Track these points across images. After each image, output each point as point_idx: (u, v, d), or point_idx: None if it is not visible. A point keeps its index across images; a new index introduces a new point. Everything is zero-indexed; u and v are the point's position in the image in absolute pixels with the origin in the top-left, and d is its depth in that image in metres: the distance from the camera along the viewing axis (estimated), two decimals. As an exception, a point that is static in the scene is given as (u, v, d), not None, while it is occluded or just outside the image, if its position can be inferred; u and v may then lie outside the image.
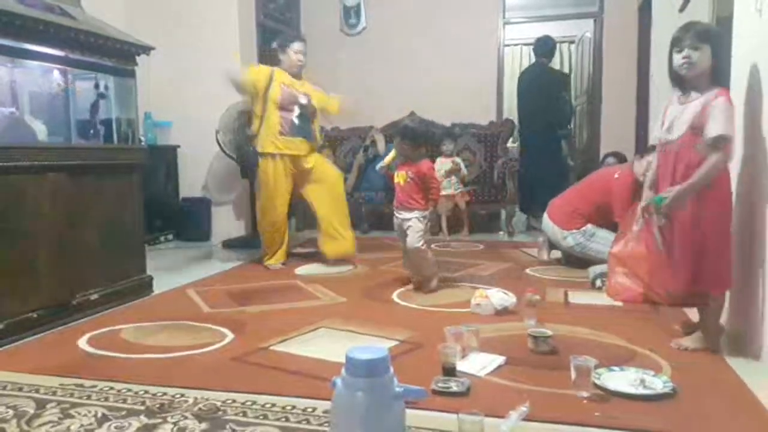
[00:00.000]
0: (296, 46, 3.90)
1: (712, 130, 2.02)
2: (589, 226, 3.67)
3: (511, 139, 6.11)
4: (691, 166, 2.08)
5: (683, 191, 2.08)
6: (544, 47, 5.66)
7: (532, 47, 5.92)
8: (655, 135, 2.33)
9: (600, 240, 3.60)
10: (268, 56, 4.42)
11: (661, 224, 2.22)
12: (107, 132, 3.11)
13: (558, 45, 8.90)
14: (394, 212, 3.24)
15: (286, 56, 3.91)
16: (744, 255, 2.23)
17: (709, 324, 2.20)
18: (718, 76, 2.13)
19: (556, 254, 3.99)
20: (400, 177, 3.15)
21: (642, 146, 4.81)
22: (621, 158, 4.56)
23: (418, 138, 3.13)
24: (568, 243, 3.73)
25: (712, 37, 2.12)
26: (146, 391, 1.86)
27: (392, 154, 3.27)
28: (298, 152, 3.83)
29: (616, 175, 3.61)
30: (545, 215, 3.96)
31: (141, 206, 3.21)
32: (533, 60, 5.96)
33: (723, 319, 2.28)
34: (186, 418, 1.67)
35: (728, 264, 2.15)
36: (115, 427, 1.62)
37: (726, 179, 2.13)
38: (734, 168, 2.34)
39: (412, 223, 3.13)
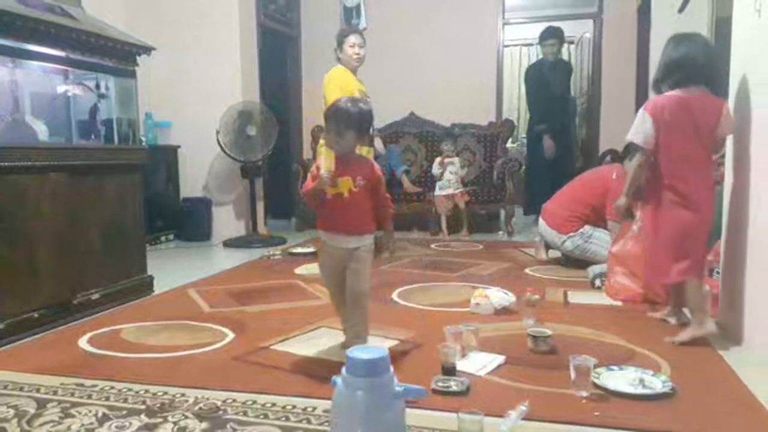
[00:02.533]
0: (351, 39, 3.79)
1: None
2: (587, 227, 3.67)
3: (510, 139, 6.11)
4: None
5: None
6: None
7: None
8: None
9: (597, 241, 3.61)
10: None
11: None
12: (108, 132, 3.12)
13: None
14: (325, 242, 2.17)
15: (343, 53, 3.84)
16: (733, 252, 2.36)
17: (691, 303, 2.35)
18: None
19: (555, 254, 3.99)
20: (342, 186, 2.07)
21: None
22: (618, 155, 4.52)
23: (365, 122, 2.14)
24: (566, 247, 3.74)
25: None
26: (147, 391, 1.87)
27: (327, 156, 2.05)
28: None
29: (614, 176, 3.60)
30: (540, 219, 3.97)
31: (141, 206, 3.21)
32: (532, 60, 6.00)
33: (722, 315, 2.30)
34: (186, 417, 1.68)
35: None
36: (116, 427, 1.63)
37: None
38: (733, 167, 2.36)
39: (363, 254, 2.12)
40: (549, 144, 5.58)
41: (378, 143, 4.37)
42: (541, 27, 8.30)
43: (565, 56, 8.85)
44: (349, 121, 2.05)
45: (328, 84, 3.78)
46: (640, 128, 2.30)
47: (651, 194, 2.39)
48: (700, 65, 2.27)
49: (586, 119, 6.50)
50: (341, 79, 3.77)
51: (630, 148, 2.98)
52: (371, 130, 2.29)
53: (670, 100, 2.28)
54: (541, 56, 6.08)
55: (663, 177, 2.31)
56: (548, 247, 4.00)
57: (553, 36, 5.73)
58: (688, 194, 2.28)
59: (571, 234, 3.70)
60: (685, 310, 2.48)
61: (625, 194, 2.52)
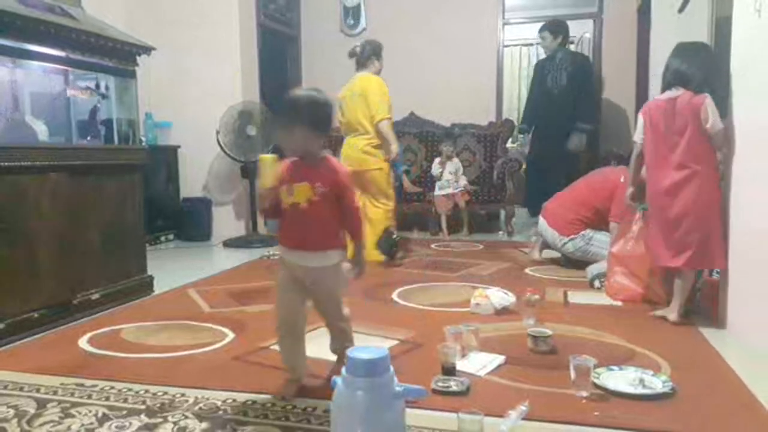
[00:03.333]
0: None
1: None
2: (588, 230, 3.66)
3: (510, 139, 6.11)
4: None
5: None
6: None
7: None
8: None
9: (598, 243, 3.61)
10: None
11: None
12: (108, 132, 3.11)
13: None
14: (284, 258, 1.85)
15: (380, 62, 4.07)
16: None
17: (678, 290, 2.57)
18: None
19: (548, 254, 3.99)
20: (298, 195, 1.76)
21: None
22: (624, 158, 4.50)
23: (323, 117, 1.87)
24: (567, 249, 3.74)
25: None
26: (147, 391, 1.87)
27: (266, 163, 1.78)
28: None
29: (622, 179, 3.49)
30: (541, 219, 3.95)
31: (141, 206, 3.21)
32: (532, 60, 5.95)
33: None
34: (187, 417, 1.68)
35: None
36: (116, 427, 1.63)
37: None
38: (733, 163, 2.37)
39: (329, 278, 1.82)
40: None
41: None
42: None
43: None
44: (299, 112, 1.76)
45: (377, 89, 3.93)
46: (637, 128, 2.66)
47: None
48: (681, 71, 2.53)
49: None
50: (385, 87, 3.97)
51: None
52: (328, 126, 1.91)
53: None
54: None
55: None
56: (544, 246, 4.00)
57: (545, 29, 5.56)
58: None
59: (573, 236, 3.69)
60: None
61: (630, 184, 2.88)
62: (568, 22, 7.53)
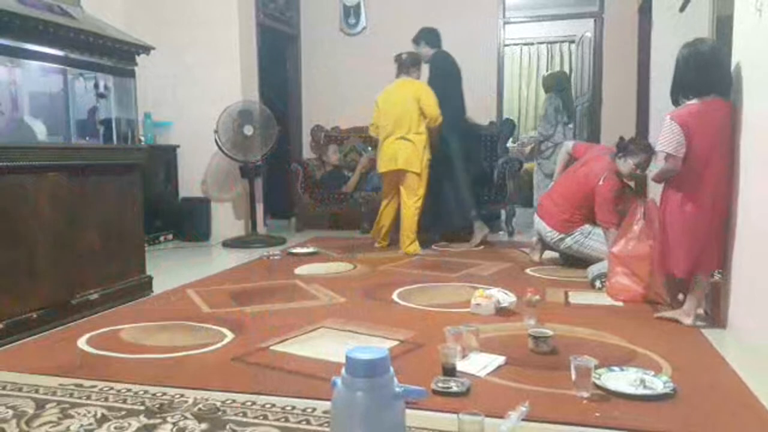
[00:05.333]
0: None
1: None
2: (587, 225, 3.65)
3: (510, 139, 6.10)
4: None
5: None
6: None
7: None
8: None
9: (596, 237, 3.59)
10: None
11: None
12: (107, 132, 3.11)
13: (558, 45, 9.00)
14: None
15: (419, 72, 4.50)
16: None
17: (693, 294, 2.52)
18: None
19: (548, 254, 3.98)
20: None
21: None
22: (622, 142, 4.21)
23: None
24: (566, 244, 3.72)
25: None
26: (146, 392, 1.86)
27: None
28: None
29: (600, 182, 3.48)
30: (536, 217, 3.92)
31: (141, 206, 3.20)
32: (532, 60, 5.93)
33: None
34: (186, 418, 1.67)
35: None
36: (115, 428, 1.62)
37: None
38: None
39: None
40: None
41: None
42: (542, 26, 8.30)
43: (565, 56, 8.93)
44: None
45: (431, 93, 4.37)
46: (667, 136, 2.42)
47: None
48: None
49: (587, 120, 6.50)
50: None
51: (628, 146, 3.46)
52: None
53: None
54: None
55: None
56: (544, 248, 3.98)
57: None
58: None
59: (572, 233, 3.68)
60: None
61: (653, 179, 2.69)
62: (569, 22, 7.54)
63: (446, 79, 4.64)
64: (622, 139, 3.60)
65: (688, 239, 2.45)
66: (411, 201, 4.34)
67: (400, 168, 4.32)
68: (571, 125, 6.32)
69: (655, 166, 2.75)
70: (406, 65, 4.47)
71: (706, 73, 2.42)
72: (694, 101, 2.44)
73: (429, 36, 4.76)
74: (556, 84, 6.36)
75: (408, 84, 4.42)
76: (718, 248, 2.47)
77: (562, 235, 3.72)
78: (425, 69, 4.70)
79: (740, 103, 2.41)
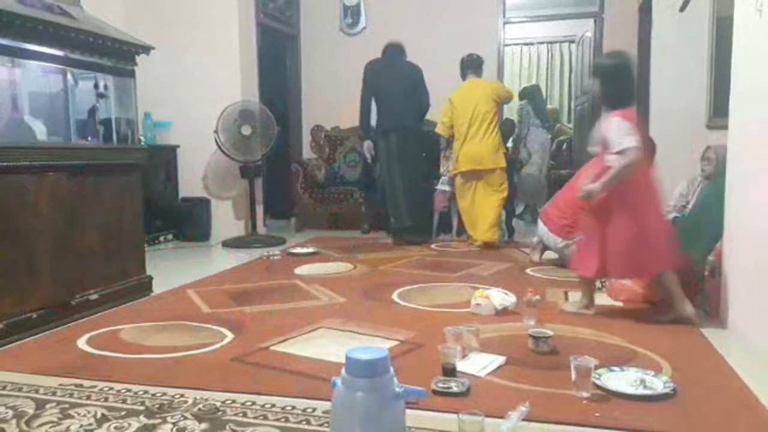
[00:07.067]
0: None
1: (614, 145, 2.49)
2: None
3: (511, 139, 6.11)
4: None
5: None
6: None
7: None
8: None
9: None
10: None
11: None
12: (107, 132, 3.10)
13: (558, 45, 8.99)
14: None
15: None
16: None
17: (670, 292, 2.54)
18: (613, 101, 2.60)
19: (550, 255, 3.98)
20: None
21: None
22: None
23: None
24: (572, 250, 3.70)
25: (597, 71, 2.74)
26: (146, 392, 1.86)
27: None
28: None
29: None
30: (540, 223, 3.92)
31: (141, 206, 3.20)
32: (532, 60, 5.94)
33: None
34: (186, 418, 1.67)
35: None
36: (115, 428, 1.62)
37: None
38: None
39: None
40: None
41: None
42: (542, 26, 8.28)
43: (565, 56, 8.92)
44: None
45: (503, 86, 4.97)
46: (626, 132, 2.48)
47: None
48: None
49: (587, 120, 6.50)
50: None
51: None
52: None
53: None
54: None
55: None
56: (545, 248, 3.98)
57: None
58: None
59: (573, 238, 3.66)
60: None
61: (603, 185, 2.53)
62: (569, 22, 7.52)
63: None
64: None
65: (621, 245, 2.53)
66: (496, 195, 4.58)
67: (487, 167, 4.54)
68: (542, 128, 6.31)
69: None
70: (473, 66, 4.77)
71: (631, 84, 2.71)
72: (622, 110, 2.55)
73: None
74: (527, 94, 6.51)
75: (481, 84, 4.71)
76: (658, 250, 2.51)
77: (567, 241, 3.69)
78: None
79: (739, 103, 2.41)
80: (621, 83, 2.63)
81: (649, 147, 3.31)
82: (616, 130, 2.50)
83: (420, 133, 4.98)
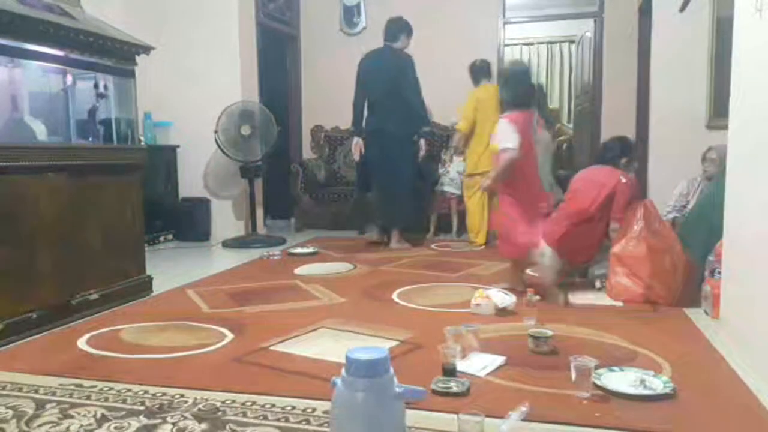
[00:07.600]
0: None
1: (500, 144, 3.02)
2: None
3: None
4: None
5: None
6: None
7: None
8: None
9: None
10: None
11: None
12: (107, 132, 3.10)
13: (558, 45, 8.99)
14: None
15: None
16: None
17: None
18: (508, 104, 3.07)
19: None
20: None
21: (641, 147, 4.81)
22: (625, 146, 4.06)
23: None
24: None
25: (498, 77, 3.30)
26: (146, 392, 1.86)
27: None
28: None
29: (623, 180, 3.17)
30: None
31: (141, 206, 3.20)
32: (532, 60, 5.92)
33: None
34: (186, 418, 1.67)
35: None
36: (115, 428, 1.62)
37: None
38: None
39: None
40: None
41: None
42: (542, 26, 8.27)
43: (565, 56, 8.93)
44: None
45: None
46: (507, 134, 2.95)
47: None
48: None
49: (587, 120, 6.50)
50: None
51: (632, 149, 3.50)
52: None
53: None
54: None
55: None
56: None
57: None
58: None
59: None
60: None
61: (491, 179, 3.09)
62: (569, 22, 7.52)
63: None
64: (617, 142, 3.45)
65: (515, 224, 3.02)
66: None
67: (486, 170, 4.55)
68: (545, 129, 6.29)
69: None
70: (485, 72, 4.90)
71: (526, 90, 3.14)
72: (515, 112, 2.99)
73: (407, 26, 4.68)
74: None
75: (493, 90, 4.50)
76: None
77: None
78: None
79: (739, 103, 2.41)
80: (516, 89, 3.07)
81: (532, 143, 3.39)
82: (500, 132, 3.00)
83: (406, 138, 4.60)
